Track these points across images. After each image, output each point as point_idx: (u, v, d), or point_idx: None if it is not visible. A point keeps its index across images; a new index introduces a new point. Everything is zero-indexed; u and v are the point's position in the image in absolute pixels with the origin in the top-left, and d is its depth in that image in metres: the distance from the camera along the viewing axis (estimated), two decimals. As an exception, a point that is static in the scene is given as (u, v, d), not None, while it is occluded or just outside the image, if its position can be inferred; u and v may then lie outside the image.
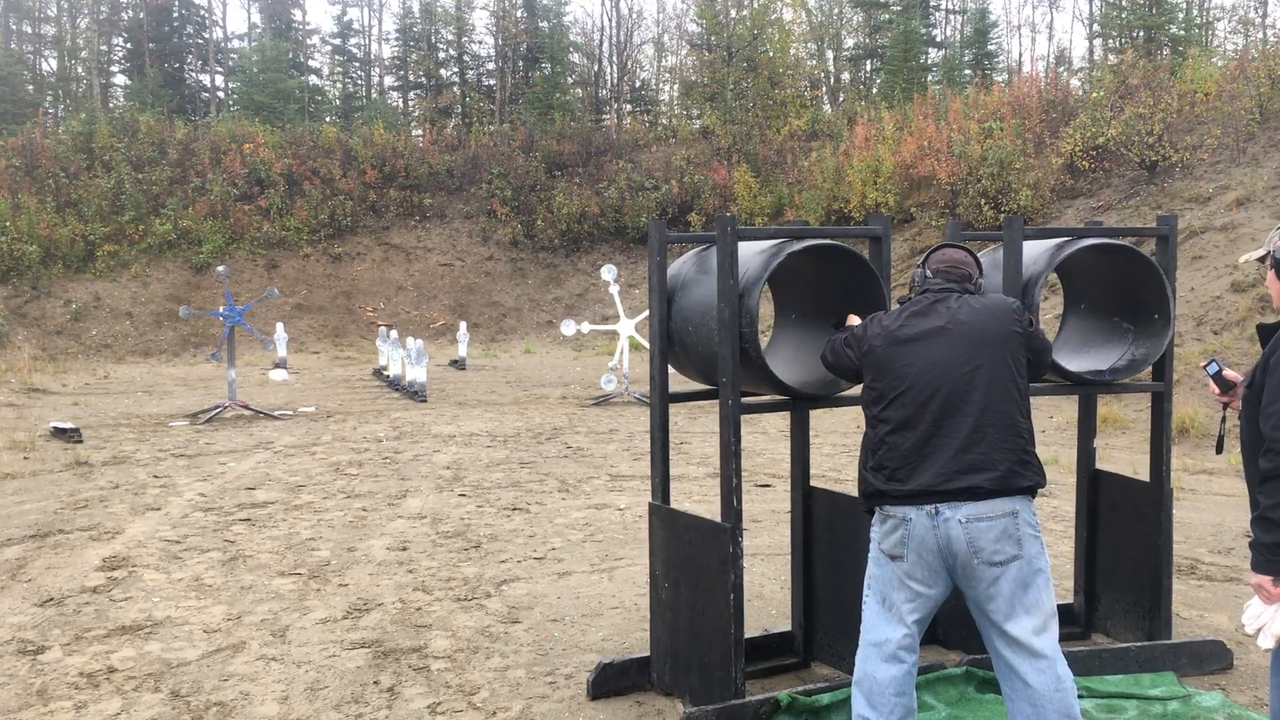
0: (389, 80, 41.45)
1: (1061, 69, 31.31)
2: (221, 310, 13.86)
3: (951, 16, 41.10)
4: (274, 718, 4.05)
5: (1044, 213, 19.40)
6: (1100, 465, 4.93)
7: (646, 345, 7.53)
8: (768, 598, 5.47)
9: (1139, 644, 4.42)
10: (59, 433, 11.38)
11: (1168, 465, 4.56)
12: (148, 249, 25.16)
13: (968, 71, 32.49)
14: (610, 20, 64.49)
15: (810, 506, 4.39)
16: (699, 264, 4.13)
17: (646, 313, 5.31)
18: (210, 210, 26.26)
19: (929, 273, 3.45)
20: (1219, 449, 3.59)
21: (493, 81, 38.31)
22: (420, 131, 35.12)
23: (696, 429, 12.00)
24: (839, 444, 10.80)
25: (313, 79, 39.91)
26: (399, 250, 27.54)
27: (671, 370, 4.32)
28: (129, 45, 38.31)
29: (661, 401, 4.15)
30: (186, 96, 37.80)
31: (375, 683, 4.38)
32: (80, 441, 11.07)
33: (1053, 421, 11.23)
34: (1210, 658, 4.40)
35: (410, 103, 40.09)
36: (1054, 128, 21.78)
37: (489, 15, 43.97)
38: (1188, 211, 16.19)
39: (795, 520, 4.44)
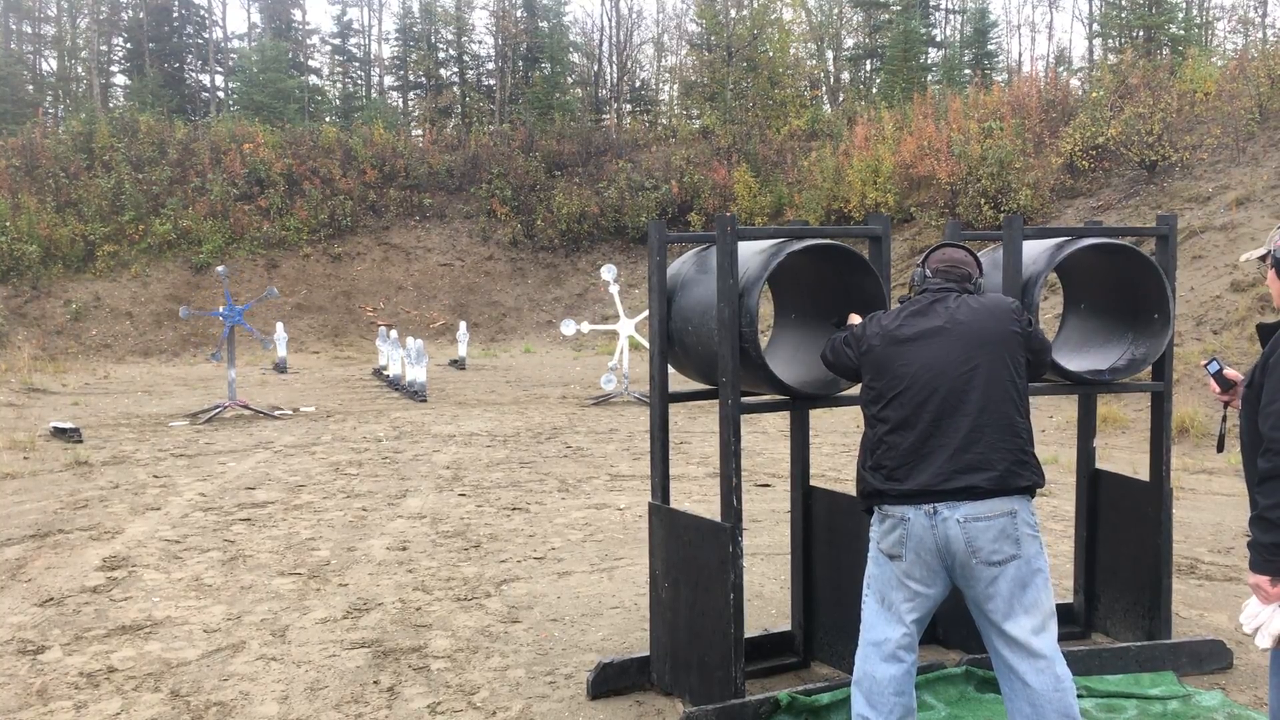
0: (389, 80, 41.48)
1: (1061, 69, 31.34)
2: (221, 310, 13.86)
3: (951, 16, 41.15)
4: (274, 717, 4.05)
5: (1044, 212, 19.40)
6: (1100, 465, 4.93)
7: (646, 345, 7.53)
8: (767, 597, 5.47)
9: (1139, 643, 4.41)
10: (59, 432, 11.38)
11: (1167, 465, 4.56)
12: (148, 249, 25.16)
13: (967, 71, 32.49)
14: (610, 20, 64.53)
15: (810, 506, 4.39)
16: (699, 264, 4.13)
17: (646, 312, 5.32)
18: (210, 210, 26.26)
19: (928, 272, 3.45)
20: (1220, 448, 3.59)
21: (492, 81, 38.32)
22: (420, 131, 35.14)
23: (696, 429, 12.00)
24: (839, 443, 10.81)
25: (312, 79, 39.93)
26: (399, 250, 27.54)
27: (671, 370, 4.32)
28: (129, 45, 38.32)
29: (661, 401, 4.15)
30: (186, 96, 37.81)
31: (375, 682, 4.38)
32: (80, 441, 11.08)
33: (1052, 421, 11.23)
34: (1210, 657, 4.40)
35: (410, 102, 40.11)
36: (1054, 127, 21.79)
37: (489, 15, 43.99)
38: (1187, 211, 16.20)
39: (795, 520, 4.44)
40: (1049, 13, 78.05)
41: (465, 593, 5.64)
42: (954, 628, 4.47)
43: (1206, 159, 17.89)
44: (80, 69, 38.63)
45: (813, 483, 4.45)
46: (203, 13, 39.85)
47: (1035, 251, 4.37)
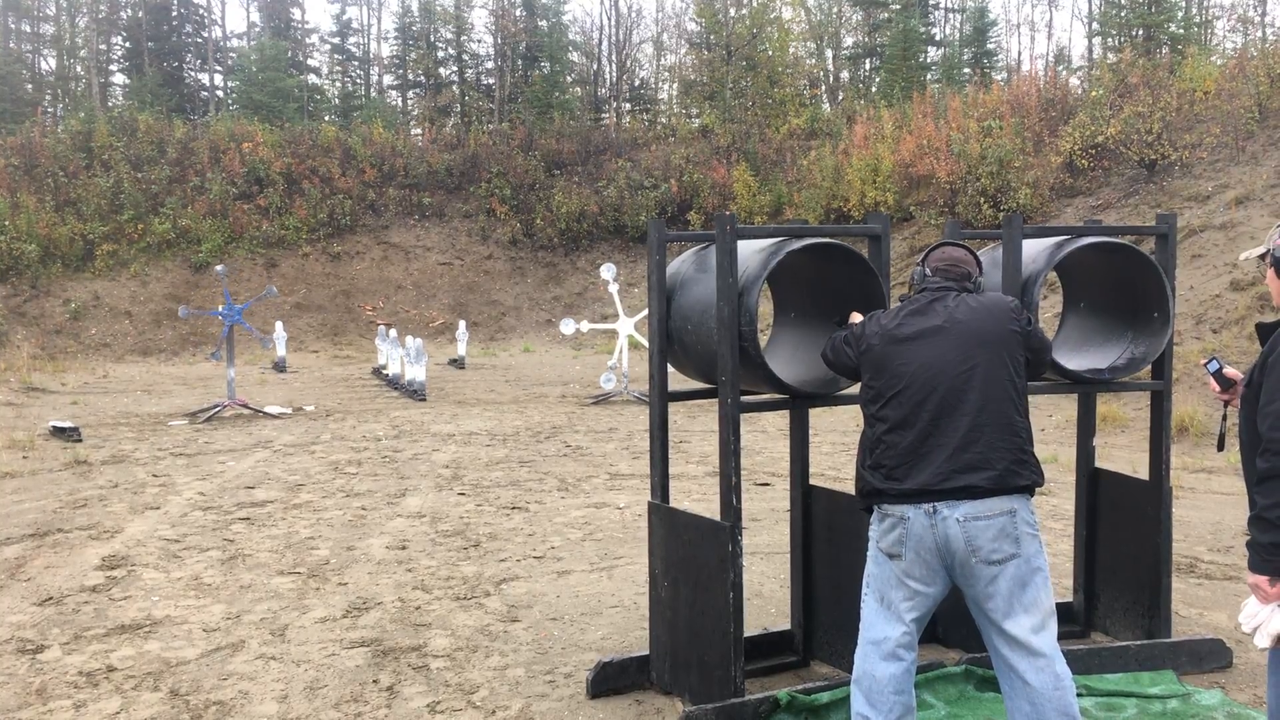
0: (388, 79, 41.47)
1: (1061, 67, 31.34)
2: (221, 309, 13.85)
3: (951, 15, 41.15)
4: (273, 717, 4.05)
5: (1043, 211, 19.40)
6: (1100, 464, 4.93)
7: (645, 344, 7.53)
8: (767, 596, 5.47)
9: (1138, 642, 4.41)
10: (58, 432, 11.38)
11: (1167, 464, 4.56)
12: (147, 248, 25.14)
13: (967, 70, 32.50)
14: (609, 19, 64.53)
15: (809, 505, 4.39)
16: (698, 263, 4.13)
17: (646, 311, 5.31)
18: (209, 209, 26.25)
19: (928, 271, 3.45)
20: (1220, 447, 3.59)
21: (492, 80, 38.30)
22: (419, 130, 35.14)
23: (696, 428, 12.00)
24: (838, 442, 10.81)
25: (312, 78, 39.91)
26: (398, 249, 27.53)
27: (671, 369, 4.32)
28: (128, 44, 38.29)
29: (661, 400, 4.15)
30: (185, 95, 37.78)
31: (374, 681, 4.38)
32: (79, 440, 11.07)
33: (1052, 420, 11.23)
34: (1209, 656, 4.40)
35: (409, 102, 40.11)
36: (1053, 126, 21.78)
37: (488, 14, 43.99)
38: (1187, 210, 16.20)
39: (794, 519, 4.44)
40: (1048, 11, 78.07)
41: (465, 592, 5.64)
42: (953, 627, 4.47)
43: (1206, 158, 17.89)
44: (79, 68, 38.63)
45: (812, 482, 4.45)
46: (202, 12, 39.84)
47: (1035, 250, 4.37)
